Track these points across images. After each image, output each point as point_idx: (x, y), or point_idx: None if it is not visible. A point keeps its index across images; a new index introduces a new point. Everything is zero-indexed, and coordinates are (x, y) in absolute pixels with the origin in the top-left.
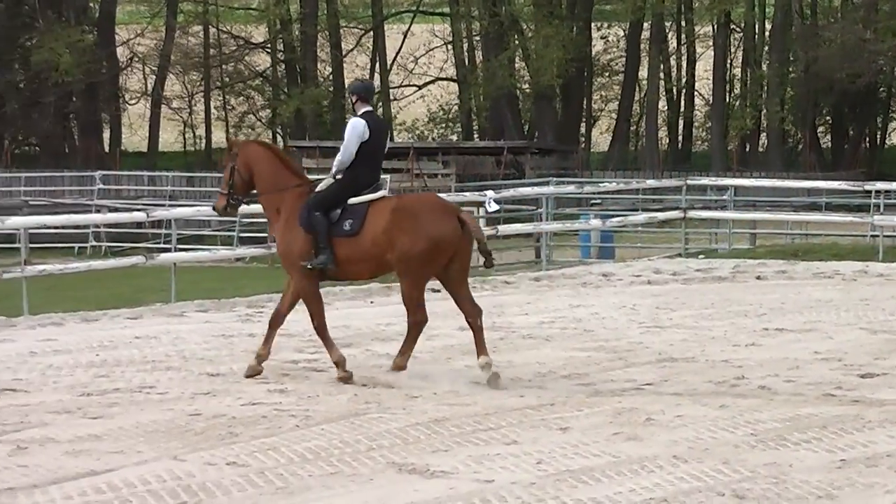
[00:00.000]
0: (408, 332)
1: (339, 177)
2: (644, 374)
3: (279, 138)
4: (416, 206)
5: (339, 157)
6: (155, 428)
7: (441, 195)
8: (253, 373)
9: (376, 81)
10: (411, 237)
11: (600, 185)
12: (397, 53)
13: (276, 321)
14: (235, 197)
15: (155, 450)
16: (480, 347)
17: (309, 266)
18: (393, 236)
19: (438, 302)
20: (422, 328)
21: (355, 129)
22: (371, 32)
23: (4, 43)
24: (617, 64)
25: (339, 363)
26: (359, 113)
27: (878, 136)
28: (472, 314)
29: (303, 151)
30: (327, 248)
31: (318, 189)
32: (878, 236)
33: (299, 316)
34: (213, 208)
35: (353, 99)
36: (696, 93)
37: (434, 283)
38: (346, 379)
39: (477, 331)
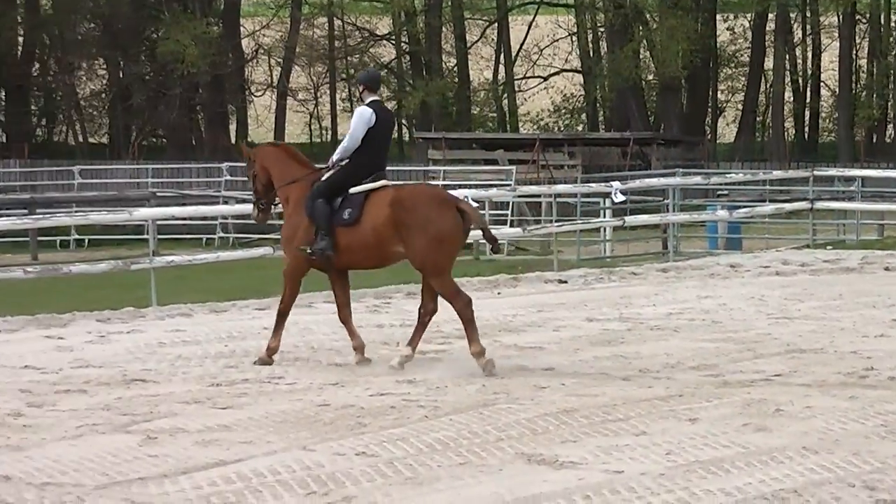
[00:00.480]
0: (463, 320)
1: (343, 163)
2: (773, 365)
3: (405, 129)
4: (414, 199)
5: (344, 143)
6: (284, 418)
7: (437, 184)
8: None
9: (501, 73)
10: (421, 235)
11: (727, 175)
12: (521, 45)
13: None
14: (262, 202)
15: (284, 440)
16: (415, 339)
17: (308, 251)
18: (401, 232)
19: (567, 293)
20: (471, 308)
21: (362, 116)
22: (495, 24)
23: (131, 35)
24: (742, 55)
25: (273, 349)
26: (366, 102)
27: None
28: (429, 308)
29: (428, 142)
30: (328, 236)
31: (323, 178)
32: None
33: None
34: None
35: (360, 88)
36: (822, 83)
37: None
38: (264, 362)
39: (421, 326)
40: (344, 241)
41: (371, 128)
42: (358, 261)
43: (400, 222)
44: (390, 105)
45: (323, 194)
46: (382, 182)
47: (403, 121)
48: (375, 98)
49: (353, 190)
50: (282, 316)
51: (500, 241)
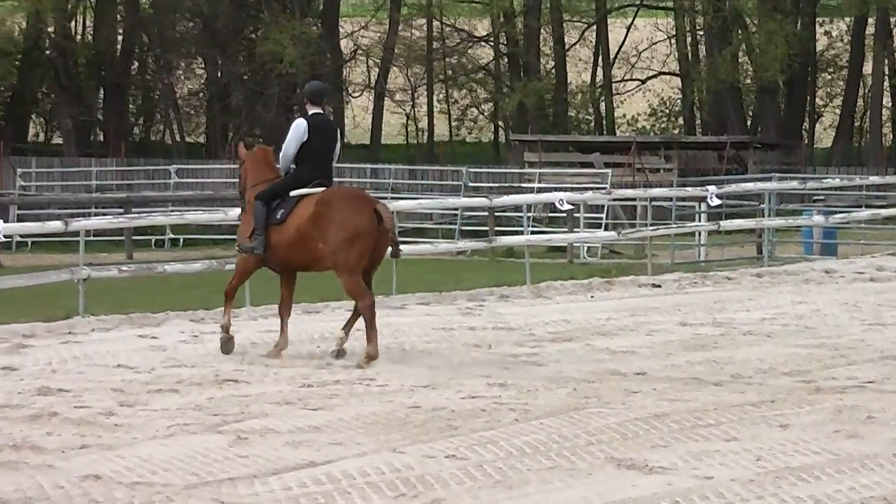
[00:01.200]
0: (365, 320)
1: (289, 172)
2: (865, 372)
3: (501, 131)
4: (334, 198)
5: (280, 155)
6: (374, 420)
7: (364, 190)
8: None
9: (599, 75)
10: (334, 228)
11: (823, 180)
12: (620, 47)
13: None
14: (243, 201)
15: (374, 442)
16: (347, 325)
17: (238, 248)
18: (320, 228)
19: (660, 297)
20: (374, 310)
21: (296, 129)
22: (594, 26)
23: (230, 35)
24: (841, 59)
25: (225, 328)
26: (309, 114)
27: None
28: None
29: (525, 145)
30: (261, 235)
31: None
32: None
33: (518, 310)
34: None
35: (304, 101)
36: None
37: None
38: (225, 342)
39: (354, 315)
40: (274, 239)
41: (306, 141)
42: (287, 257)
43: (319, 218)
44: (487, 107)
45: (263, 198)
46: (321, 189)
47: (500, 122)
48: (317, 111)
49: (292, 193)
50: (227, 297)
51: (591, 244)
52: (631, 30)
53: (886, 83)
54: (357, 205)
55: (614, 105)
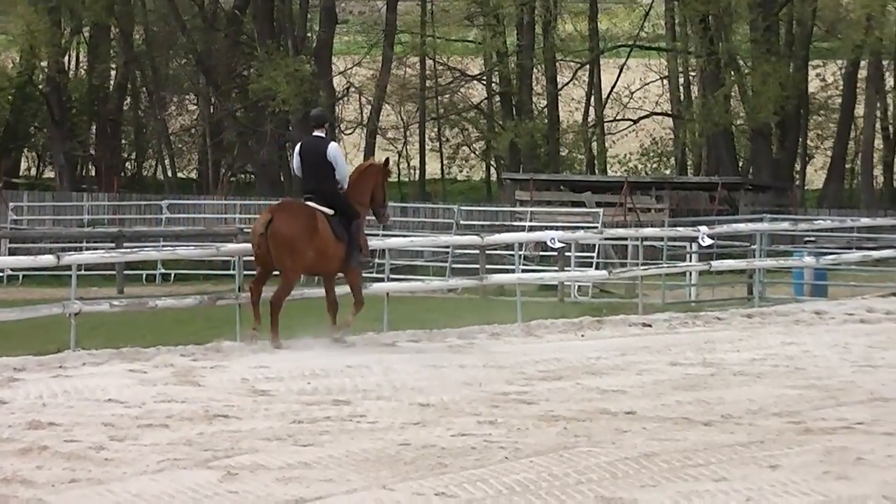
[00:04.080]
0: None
1: None
2: (855, 413)
3: (492, 170)
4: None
5: None
6: (365, 457)
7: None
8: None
9: (591, 115)
10: None
11: (814, 222)
12: (613, 87)
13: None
14: None
15: (364, 479)
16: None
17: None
18: None
19: (651, 337)
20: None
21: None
22: (587, 66)
23: (223, 72)
24: (833, 102)
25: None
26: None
27: None
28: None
29: (516, 183)
30: None
31: None
32: None
33: (509, 348)
34: None
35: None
36: None
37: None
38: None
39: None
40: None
41: (300, 158)
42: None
43: None
44: (479, 145)
45: None
46: (311, 203)
47: (492, 161)
48: (315, 133)
49: None
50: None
51: (583, 283)
52: (624, 70)
53: (878, 125)
54: (265, 212)
55: (606, 144)
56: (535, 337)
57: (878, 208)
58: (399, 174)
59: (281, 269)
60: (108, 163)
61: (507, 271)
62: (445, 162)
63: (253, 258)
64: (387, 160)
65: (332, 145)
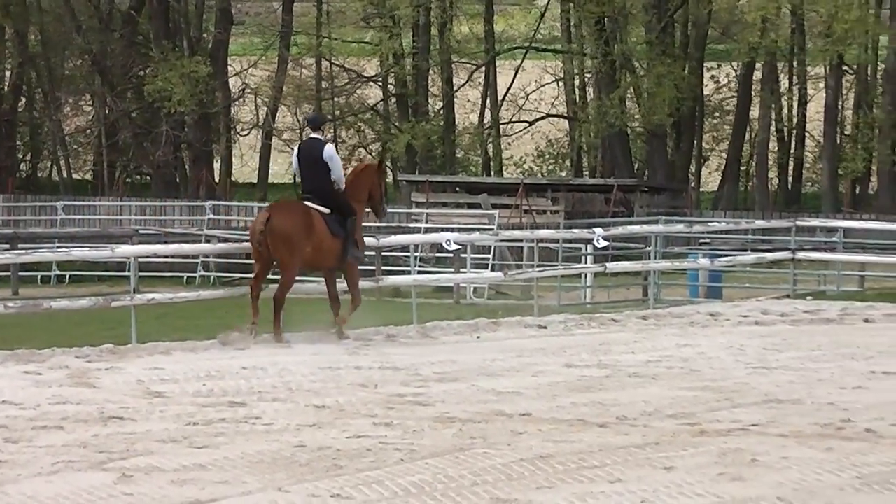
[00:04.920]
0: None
1: None
2: (750, 415)
3: (389, 172)
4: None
5: None
6: (260, 459)
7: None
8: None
9: (487, 116)
10: None
11: (709, 224)
12: (508, 89)
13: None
14: None
15: (260, 481)
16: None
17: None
18: None
19: (546, 339)
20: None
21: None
22: (483, 68)
23: (119, 72)
24: (728, 104)
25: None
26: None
27: None
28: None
29: (412, 185)
30: None
31: None
32: None
33: (405, 350)
34: None
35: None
36: (807, 133)
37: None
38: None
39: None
40: None
41: (297, 160)
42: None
43: None
44: (375, 147)
45: None
46: (308, 202)
47: (388, 163)
48: (314, 135)
49: None
50: None
51: (478, 285)
52: (519, 72)
53: (773, 128)
54: (262, 213)
55: (502, 146)
56: (430, 339)
57: (773, 210)
58: (295, 176)
59: (280, 265)
60: (2, 164)
61: (403, 273)
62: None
63: (252, 256)
64: (381, 160)
65: (328, 147)
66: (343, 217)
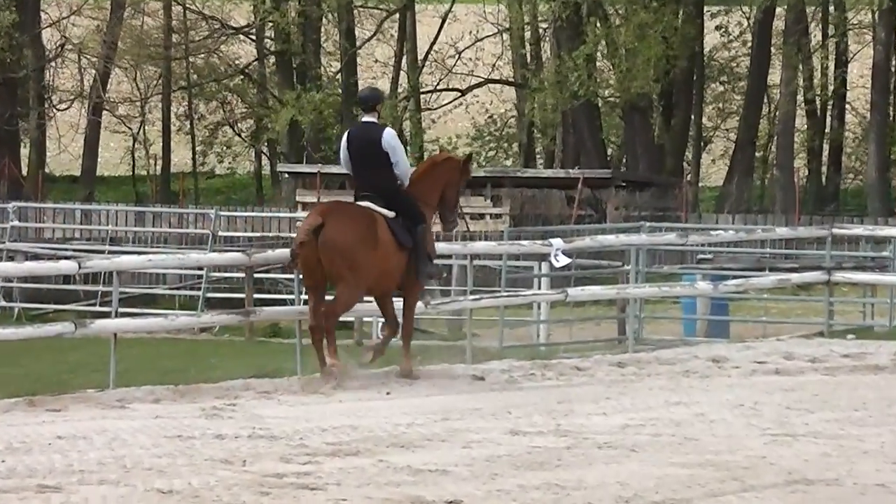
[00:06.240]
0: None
1: None
2: (768, 502)
3: (265, 160)
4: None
5: None
6: None
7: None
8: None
9: (402, 82)
10: None
11: (712, 233)
12: (432, 44)
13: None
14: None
15: None
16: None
17: None
18: None
19: (481, 394)
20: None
21: (342, 140)
22: (396, 14)
23: None
24: (739, 64)
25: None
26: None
27: None
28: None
29: (298, 179)
30: None
31: None
32: None
33: (284, 410)
34: None
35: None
36: (847, 106)
37: None
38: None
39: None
40: None
41: (347, 151)
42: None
43: None
44: (245, 125)
45: None
46: (367, 203)
47: (264, 147)
48: (367, 119)
49: None
50: None
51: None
52: (448, 20)
53: (800, 98)
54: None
55: (424, 124)
56: (321, 395)
57: (801, 213)
58: (134, 166)
59: (338, 285)
60: None
61: (284, 303)
62: (199, 149)
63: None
64: (469, 156)
65: (388, 131)
66: (412, 223)
